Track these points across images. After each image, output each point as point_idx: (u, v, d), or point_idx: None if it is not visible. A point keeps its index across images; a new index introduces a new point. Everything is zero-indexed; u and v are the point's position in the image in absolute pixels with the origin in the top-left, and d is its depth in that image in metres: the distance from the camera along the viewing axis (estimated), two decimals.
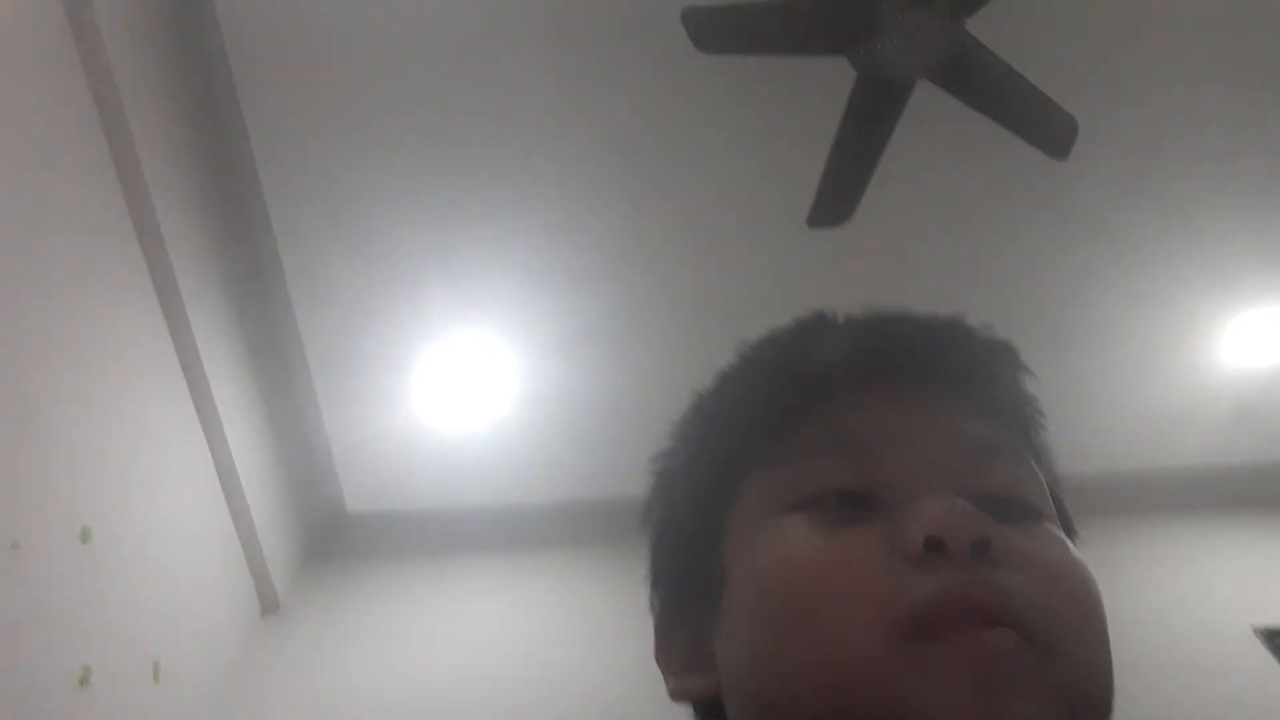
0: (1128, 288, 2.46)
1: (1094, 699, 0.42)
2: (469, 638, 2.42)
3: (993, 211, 2.34)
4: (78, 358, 1.80)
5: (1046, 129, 1.92)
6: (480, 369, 2.53)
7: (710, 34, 1.76)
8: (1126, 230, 2.35)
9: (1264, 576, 2.47)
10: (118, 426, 1.90)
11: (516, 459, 2.66)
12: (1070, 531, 0.50)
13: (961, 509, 0.41)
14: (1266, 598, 2.38)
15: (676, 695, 0.52)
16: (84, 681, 1.73)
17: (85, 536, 1.76)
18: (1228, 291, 2.48)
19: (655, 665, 0.55)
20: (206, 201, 2.20)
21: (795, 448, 0.48)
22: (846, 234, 1.95)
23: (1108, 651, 0.43)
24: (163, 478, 2.05)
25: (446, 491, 2.73)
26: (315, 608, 2.53)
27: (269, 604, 2.48)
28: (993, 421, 0.49)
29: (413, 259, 2.35)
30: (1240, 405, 2.64)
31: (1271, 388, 2.62)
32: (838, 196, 1.85)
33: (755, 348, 0.55)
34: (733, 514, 0.50)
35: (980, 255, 2.38)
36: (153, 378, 2.04)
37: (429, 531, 2.72)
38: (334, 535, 2.76)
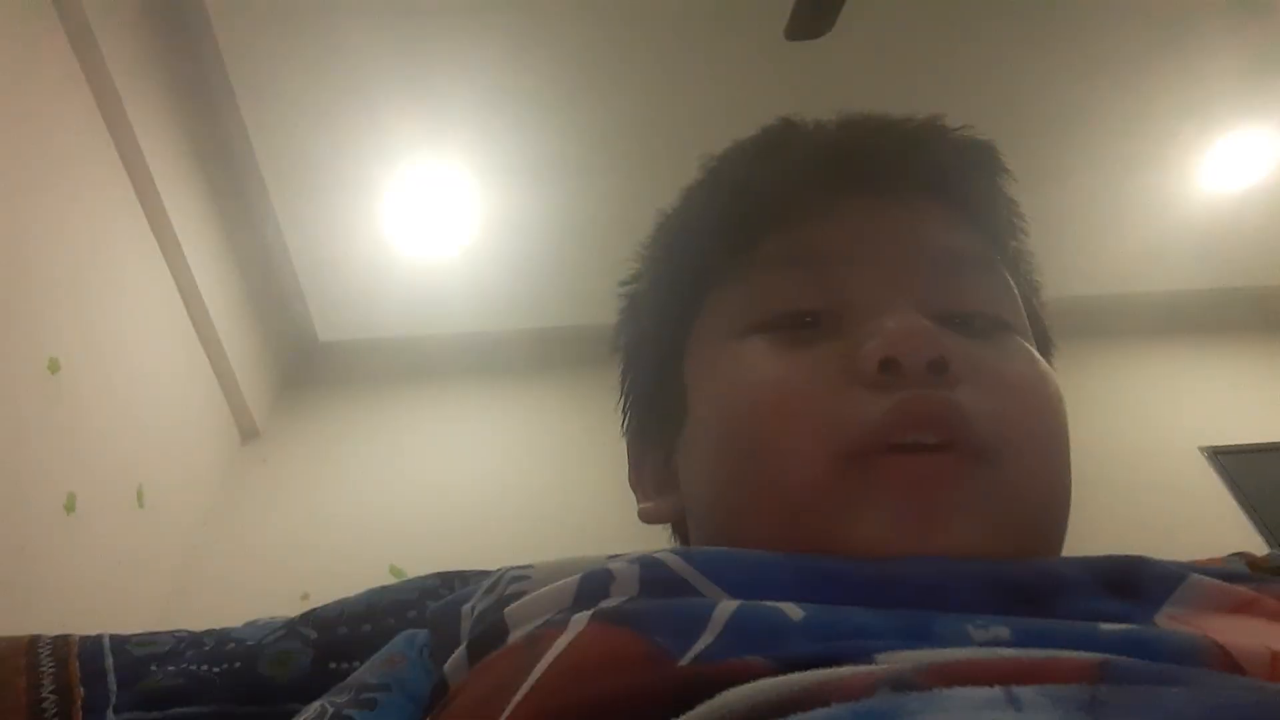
0: (1106, 115, 2.41)
1: (1048, 512, 0.42)
2: (443, 460, 2.48)
3: (976, 31, 2.25)
4: (28, 188, 1.73)
5: None
6: (446, 194, 2.47)
7: None
8: (1109, 53, 2.28)
9: (1217, 400, 2.56)
10: (74, 255, 1.86)
11: (486, 286, 2.65)
12: (1044, 342, 0.50)
13: (918, 327, 0.40)
14: (1217, 419, 2.48)
15: (644, 516, 0.52)
16: (70, 508, 1.76)
17: (53, 367, 1.75)
18: (1205, 116, 2.44)
19: (624, 484, 0.55)
20: (147, 14, 2.07)
21: (756, 264, 0.47)
22: (825, 48, 1.87)
23: (1066, 467, 0.43)
24: (126, 305, 2.03)
25: (417, 319, 2.73)
26: (293, 433, 2.57)
27: (247, 431, 2.52)
28: (965, 229, 0.48)
29: (373, 75, 2.24)
30: (1210, 231, 2.66)
31: (1243, 213, 2.62)
32: (817, 7, 1.77)
33: (718, 160, 0.52)
34: (696, 332, 0.49)
35: (961, 75, 2.30)
36: (106, 199, 1.98)
37: (401, 358, 2.74)
38: (308, 362, 2.77)
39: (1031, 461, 0.41)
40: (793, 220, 0.47)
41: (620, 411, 0.57)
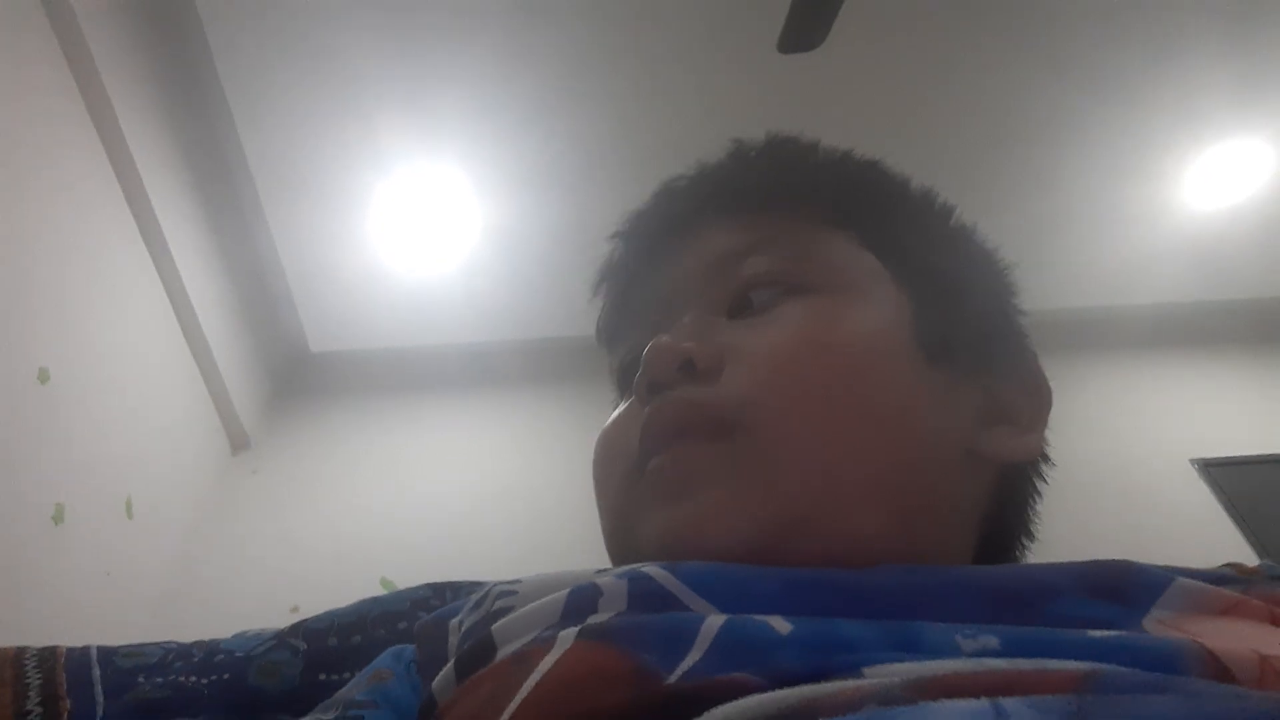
0: (1095, 127, 2.43)
1: (816, 469, 0.41)
2: (436, 473, 2.47)
3: (966, 44, 2.27)
4: (18, 198, 1.72)
5: None
6: (440, 204, 2.47)
7: None
8: (1099, 65, 2.30)
9: (1207, 411, 2.57)
10: (65, 265, 1.85)
11: (479, 297, 2.64)
12: (913, 266, 0.48)
13: (657, 344, 0.44)
14: (1207, 431, 2.49)
15: None
16: (58, 519, 1.75)
17: (43, 377, 1.74)
18: (1194, 128, 2.46)
19: None
20: (138, 20, 2.07)
21: (619, 327, 0.55)
22: (817, 59, 1.88)
23: (853, 421, 0.42)
24: (116, 314, 2.02)
25: (410, 329, 2.72)
26: (284, 445, 2.56)
27: (238, 442, 2.51)
28: (748, 223, 0.49)
29: (367, 84, 2.24)
30: (1199, 245, 2.67)
31: (1231, 226, 2.64)
32: (810, 19, 1.78)
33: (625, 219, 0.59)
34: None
35: (951, 87, 2.32)
36: (95, 209, 1.97)
37: (394, 369, 2.73)
38: (299, 373, 2.76)
39: (789, 424, 0.41)
40: (618, 286, 0.55)
41: None
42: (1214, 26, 2.24)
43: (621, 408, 0.49)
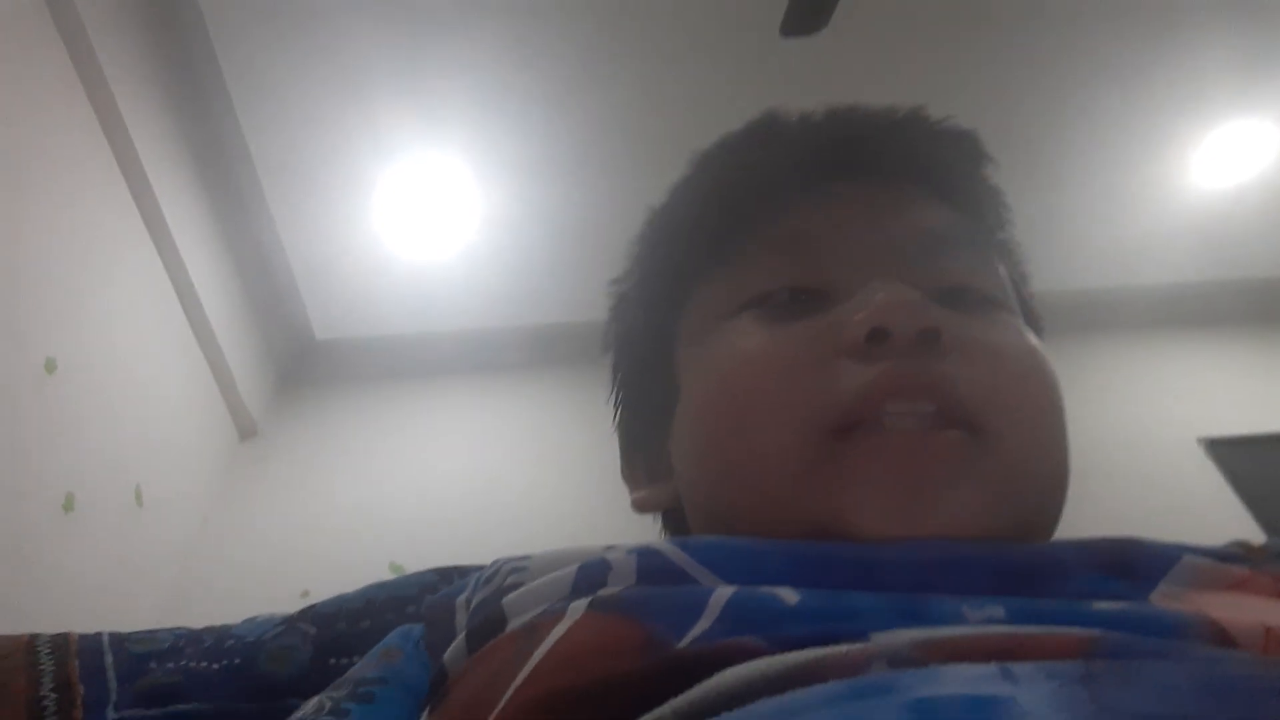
0: (1101, 109, 2.41)
1: (1044, 489, 0.41)
2: (442, 458, 2.48)
3: (970, 25, 2.25)
4: (22, 188, 1.73)
5: None
6: (442, 191, 2.47)
7: None
8: (1102, 46, 2.29)
9: (1213, 390, 2.56)
10: (70, 255, 1.85)
11: (483, 283, 2.64)
12: (1035, 327, 0.49)
13: (907, 297, 0.40)
14: (1214, 411, 2.48)
15: (637, 505, 0.53)
16: (68, 507, 1.76)
17: (50, 367, 1.75)
18: (1200, 108, 2.44)
19: (620, 480, 0.56)
20: (139, 10, 2.06)
21: (742, 250, 0.47)
22: (820, 44, 1.87)
23: (1062, 444, 0.43)
24: (122, 304, 2.02)
25: (414, 316, 2.73)
26: (292, 432, 2.57)
27: (246, 429, 2.52)
28: (951, 212, 0.48)
29: (368, 72, 2.24)
30: (1204, 225, 2.66)
31: (1236, 206, 2.63)
32: (812, 3, 1.77)
33: (705, 154, 0.53)
34: (684, 323, 0.50)
35: (955, 69, 2.30)
36: (99, 198, 1.98)
37: (399, 355, 2.73)
38: (305, 361, 2.77)
39: (1026, 436, 0.41)
40: (778, 207, 0.47)
41: (611, 405, 0.57)
42: (1217, 6, 2.22)
43: (773, 331, 0.43)
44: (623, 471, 0.55)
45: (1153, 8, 2.22)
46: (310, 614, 0.51)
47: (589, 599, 0.34)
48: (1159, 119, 2.44)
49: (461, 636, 0.38)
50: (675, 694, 0.28)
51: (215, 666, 0.47)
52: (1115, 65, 2.32)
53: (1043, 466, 0.41)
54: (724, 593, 0.32)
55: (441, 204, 2.49)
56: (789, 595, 0.32)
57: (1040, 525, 0.41)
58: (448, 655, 0.38)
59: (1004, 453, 0.39)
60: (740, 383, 0.43)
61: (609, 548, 0.38)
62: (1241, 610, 0.32)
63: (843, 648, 0.28)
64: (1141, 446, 2.33)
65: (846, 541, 0.37)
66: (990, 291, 0.46)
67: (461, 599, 0.41)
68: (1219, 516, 2.22)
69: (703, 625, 0.31)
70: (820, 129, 0.50)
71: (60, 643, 0.48)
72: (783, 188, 0.47)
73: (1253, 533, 2.15)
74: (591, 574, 0.36)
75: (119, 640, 0.50)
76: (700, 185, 0.51)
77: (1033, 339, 0.45)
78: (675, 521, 0.51)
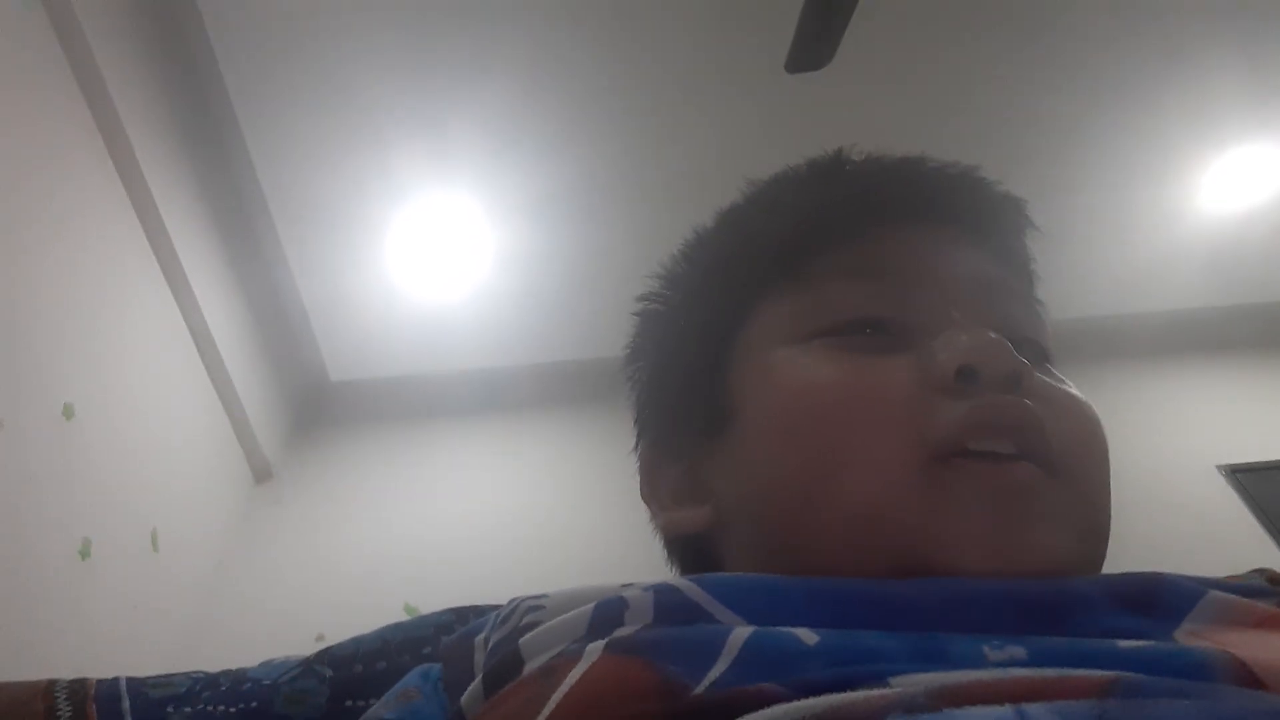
0: (1108, 135, 2.42)
1: (1100, 528, 0.44)
2: (457, 498, 2.48)
3: (970, 65, 2.27)
4: (39, 234, 1.75)
5: None
6: (455, 232, 2.49)
7: None
8: (1110, 70, 2.30)
9: (1231, 417, 2.54)
10: (87, 300, 1.88)
11: (496, 323, 2.66)
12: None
13: (996, 341, 0.42)
14: (1233, 437, 2.46)
15: (668, 528, 0.51)
16: (85, 553, 1.77)
17: (68, 413, 1.76)
18: (1210, 132, 2.45)
19: (635, 517, 0.55)
20: (154, 57, 2.10)
21: (818, 274, 0.47)
22: (828, 76, 1.89)
23: (1109, 485, 0.45)
24: (138, 350, 2.04)
25: (428, 357, 2.74)
26: (307, 474, 2.58)
27: (261, 472, 2.52)
28: (1004, 267, 0.50)
29: (380, 113, 2.27)
30: (1216, 249, 2.65)
31: (1248, 230, 2.62)
32: (816, 38, 1.79)
33: (767, 184, 0.54)
34: (744, 342, 0.49)
35: (962, 94, 2.32)
36: (115, 245, 2.00)
37: (413, 396, 2.74)
38: (320, 403, 2.78)
39: (1094, 480, 0.43)
40: (851, 237, 0.48)
41: (634, 424, 0.56)
42: (1226, 30, 2.23)
43: (856, 361, 0.44)
44: (643, 492, 0.54)
45: (1160, 31, 2.23)
46: (326, 656, 0.51)
47: (606, 640, 0.34)
48: (1168, 143, 2.45)
49: (479, 679, 0.38)
50: None
51: (232, 710, 0.47)
52: (1123, 89, 2.33)
53: (1103, 513, 0.44)
54: (742, 633, 0.32)
55: (453, 244, 2.51)
56: (807, 636, 0.32)
57: (1098, 563, 0.43)
58: (465, 698, 0.38)
59: (1081, 498, 0.42)
60: (826, 411, 0.43)
61: (626, 585, 0.38)
62: (1268, 649, 0.31)
63: (860, 694, 0.28)
64: (1160, 475, 2.31)
65: (934, 575, 0.37)
66: (1047, 346, 0.48)
67: (480, 638, 0.41)
68: (1242, 544, 2.19)
69: (720, 668, 0.31)
70: (891, 170, 0.51)
71: (78, 688, 0.48)
72: (855, 219, 0.48)
73: (1275, 560, 2.12)
74: (608, 613, 0.36)
75: (136, 685, 0.50)
76: (767, 210, 0.52)
77: (1079, 394, 0.47)
78: (700, 548, 0.50)
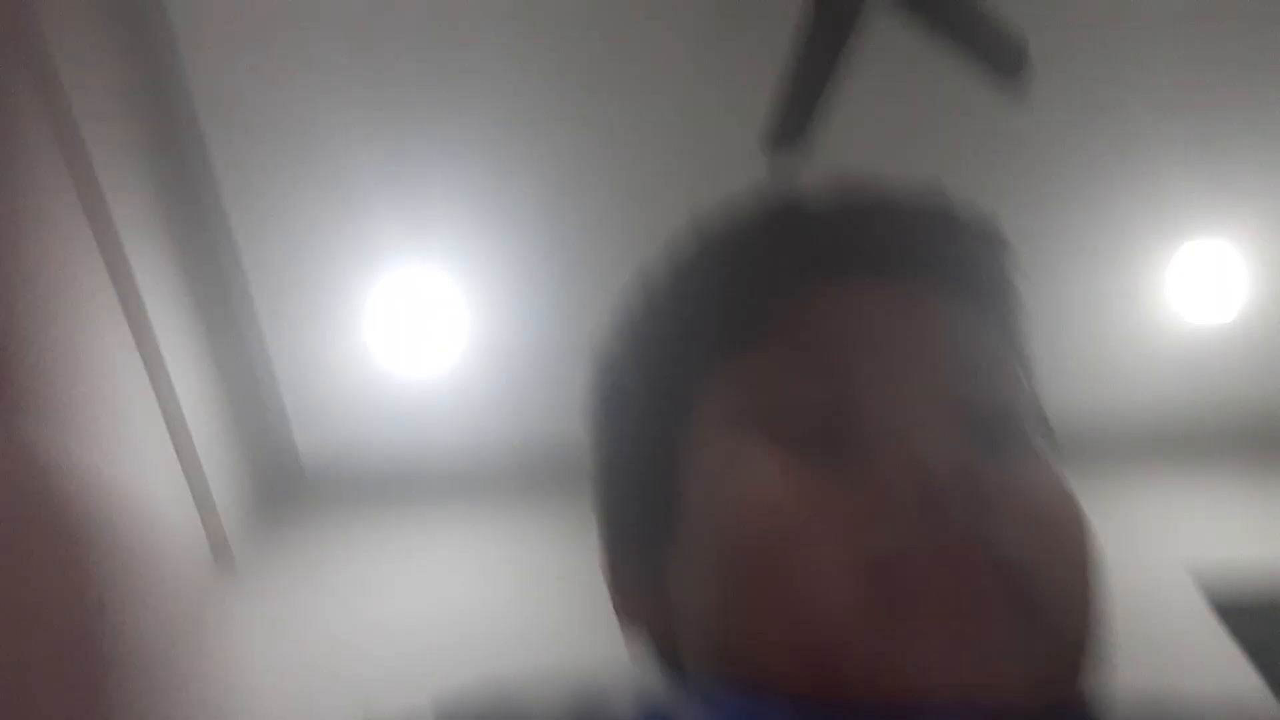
0: (1071, 230, 2.48)
1: (1084, 651, 0.40)
2: (435, 583, 2.42)
3: (933, 153, 2.33)
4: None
5: (996, 49, 1.93)
6: (430, 307, 2.49)
7: None
8: (1067, 168, 2.37)
9: (1200, 517, 2.55)
10: (54, 360, 1.84)
11: (474, 401, 2.64)
12: (1049, 440, 0.47)
13: (949, 447, 0.38)
14: (1202, 539, 2.46)
15: (623, 616, 0.48)
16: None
17: None
18: (1173, 229, 2.51)
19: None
20: (136, 124, 2.11)
21: (759, 349, 0.43)
22: (799, 161, 1.95)
23: (1098, 592, 0.41)
24: (106, 420, 2.00)
25: (403, 435, 2.71)
26: (270, 557, 2.51)
27: (220, 552, 2.45)
28: (977, 320, 0.45)
29: (358, 184, 2.29)
30: (1182, 348, 2.69)
31: (1215, 329, 2.67)
32: (791, 120, 1.85)
33: (710, 235, 0.48)
34: (687, 423, 0.45)
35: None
36: (86, 304, 1.97)
37: (387, 478, 2.70)
38: (287, 481, 2.73)
39: (1068, 599, 0.39)
40: (799, 303, 0.43)
41: (593, 506, 0.52)
42: (1177, 129, 2.31)
43: (800, 464, 0.40)
44: (606, 573, 0.50)
45: (1123, 130, 2.30)
46: None
47: None
48: (1131, 233, 2.50)
49: None
50: None
51: None
52: (1083, 179, 2.40)
53: (1083, 631, 0.40)
54: None
55: (429, 319, 2.51)
56: None
57: (1076, 681, 0.40)
58: None
59: (1050, 622, 0.38)
60: (772, 523, 0.39)
61: (612, 695, 0.35)
62: None
63: None
64: (1126, 579, 2.29)
65: (890, 700, 0.35)
66: (1023, 419, 0.43)
67: None
68: (1211, 652, 2.17)
69: None
70: (839, 214, 0.46)
71: None
72: (798, 282, 0.44)
73: (1246, 673, 2.11)
74: None
75: None
76: (711, 268, 0.47)
77: (1064, 482, 0.43)
78: (665, 638, 0.46)
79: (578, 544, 2.17)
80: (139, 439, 2.15)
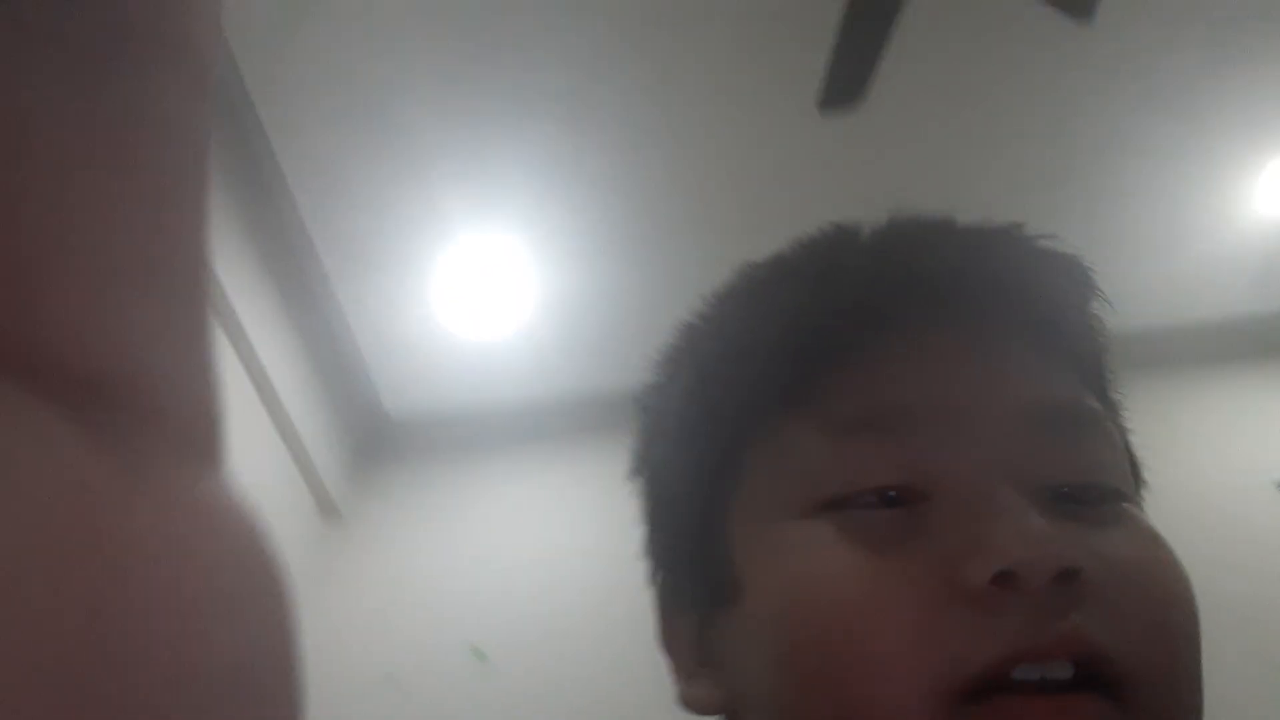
0: (1156, 141, 2.39)
1: None
2: (517, 530, 2.50)
3: (1013, 77, 2.26)
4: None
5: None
6: (501, 271, 2.53)
7: None
8: (1154, 80, 2.28)
9: None
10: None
11: (545, 357, 2.70)
12: (1139, 483, 0.43)
13: (1040, 534, 0.33)
14: None
15: (687, 704, 0.43)
16: None
17: None
18: (1261, 136, 2.40)
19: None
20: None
21: (816, 421, 0.39)
22: (862, 116, 1.90)
23: (1199, 675, 0.36)
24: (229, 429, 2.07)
25: (481, 391, 2.78)
26: (371, 510, 2.62)
27: (327, 510, 2.57)
28: (1062, 372, 0.40)
29: (424, 151, 2.31)
30: (1270, 254, 2.60)
31: None
32: (849, 77, 1.80)
33: (762, 277, 0.45)
34: (741, 498, 0.41)
35: (1002, 125, 2.31)
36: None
37: (471, 430, 2.78)
38: (380, 439, 2.83)
39: (1171, 688, 0.35)
40: (861, 362, 0.39)
41: (645, 555, 0.48)
42: (1274, 30, 2.20)
43: (868, 552, 0.36)
44: (661, 639, 0.46)
45: (1206, 33, 2.20)
46: None
47: None
48: (1216, 146, 2.41)
49: None
50: None
51: None
52: (1169, 91, 2.30)
53: (1196, 710, 0.36)
54: None
55: (500, 281, 2.56)
56: None
57: None
58: None
59: (1165, 708, 0.34)
60: (842, 616, 0.35)
61: None
62: None
63: None
64: (1216, 489, 2.24)
65: None
66: (1116, 484, 0.39)
67: None
68: None
69: None
70: (902, 255, 0.41)
71: None
72: (865, 331, 0.39)
73: None
74: None
75: None
76: (762, 316, 0.42)
77: (1166, 549, 0.38)
78: (717, 706, 0.43)
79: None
80: (239, 420, 2.24)
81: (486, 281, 2.56)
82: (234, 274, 2.24)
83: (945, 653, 0.33)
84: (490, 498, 2.62)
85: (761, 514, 0.40)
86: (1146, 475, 0.45)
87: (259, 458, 2.31)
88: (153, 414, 0.16)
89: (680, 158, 2.36)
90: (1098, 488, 0.38)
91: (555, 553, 2.40)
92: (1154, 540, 0.38)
